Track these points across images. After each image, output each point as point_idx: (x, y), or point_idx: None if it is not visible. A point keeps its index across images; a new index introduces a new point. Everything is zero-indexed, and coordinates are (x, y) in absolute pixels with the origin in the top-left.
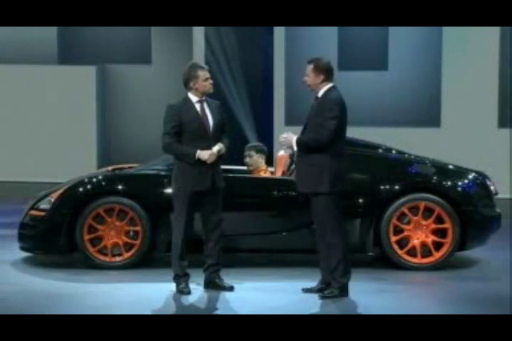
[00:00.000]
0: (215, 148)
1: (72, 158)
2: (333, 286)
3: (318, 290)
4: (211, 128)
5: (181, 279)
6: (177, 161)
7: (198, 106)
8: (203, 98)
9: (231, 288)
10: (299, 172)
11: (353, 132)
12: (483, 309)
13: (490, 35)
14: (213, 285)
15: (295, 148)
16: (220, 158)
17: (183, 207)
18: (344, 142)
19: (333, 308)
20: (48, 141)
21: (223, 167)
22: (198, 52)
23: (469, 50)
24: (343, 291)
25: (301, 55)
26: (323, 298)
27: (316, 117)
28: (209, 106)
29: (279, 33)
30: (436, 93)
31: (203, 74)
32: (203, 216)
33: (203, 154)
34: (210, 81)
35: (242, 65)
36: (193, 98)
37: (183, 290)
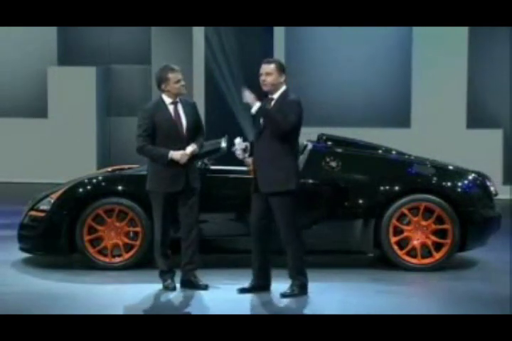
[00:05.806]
0: (189, 149)
1: (71, 159)
2: (294, 284)
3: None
4: (184, 130)
5: (167, 275)
6: (150, 163)
7: (171, 108)
8: (177, 99)
9: (206, 287)
10: (263, 173)
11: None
12: (483, 309)
13: (459, 35)
14: (189, 283)
15: (253, 110)
16: (194, 159)
17: (159, 207)
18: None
19: (333, 308)
20: (47, 141)
21: (223, 167)
22: (198, 53)
23: (438, 49)
24: (303, 289)
25: (300, 55)
26: (284, 296)
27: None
28: (183, 107)
29: (279, 33)
30: (406, 93)
31: (174, 76)
32: (180, 217)
33: (176, 154)
34: (182, 83)
35: (242, 65)
36: (167, 100)
37: (168, 286)
